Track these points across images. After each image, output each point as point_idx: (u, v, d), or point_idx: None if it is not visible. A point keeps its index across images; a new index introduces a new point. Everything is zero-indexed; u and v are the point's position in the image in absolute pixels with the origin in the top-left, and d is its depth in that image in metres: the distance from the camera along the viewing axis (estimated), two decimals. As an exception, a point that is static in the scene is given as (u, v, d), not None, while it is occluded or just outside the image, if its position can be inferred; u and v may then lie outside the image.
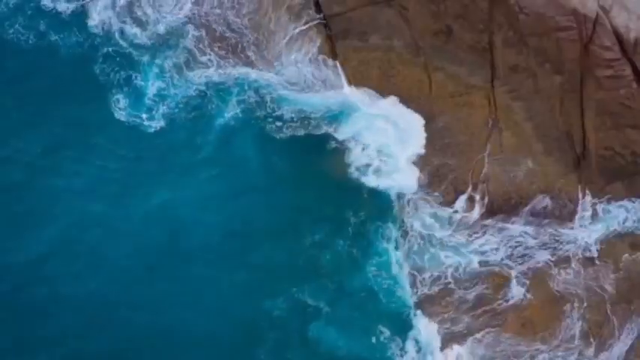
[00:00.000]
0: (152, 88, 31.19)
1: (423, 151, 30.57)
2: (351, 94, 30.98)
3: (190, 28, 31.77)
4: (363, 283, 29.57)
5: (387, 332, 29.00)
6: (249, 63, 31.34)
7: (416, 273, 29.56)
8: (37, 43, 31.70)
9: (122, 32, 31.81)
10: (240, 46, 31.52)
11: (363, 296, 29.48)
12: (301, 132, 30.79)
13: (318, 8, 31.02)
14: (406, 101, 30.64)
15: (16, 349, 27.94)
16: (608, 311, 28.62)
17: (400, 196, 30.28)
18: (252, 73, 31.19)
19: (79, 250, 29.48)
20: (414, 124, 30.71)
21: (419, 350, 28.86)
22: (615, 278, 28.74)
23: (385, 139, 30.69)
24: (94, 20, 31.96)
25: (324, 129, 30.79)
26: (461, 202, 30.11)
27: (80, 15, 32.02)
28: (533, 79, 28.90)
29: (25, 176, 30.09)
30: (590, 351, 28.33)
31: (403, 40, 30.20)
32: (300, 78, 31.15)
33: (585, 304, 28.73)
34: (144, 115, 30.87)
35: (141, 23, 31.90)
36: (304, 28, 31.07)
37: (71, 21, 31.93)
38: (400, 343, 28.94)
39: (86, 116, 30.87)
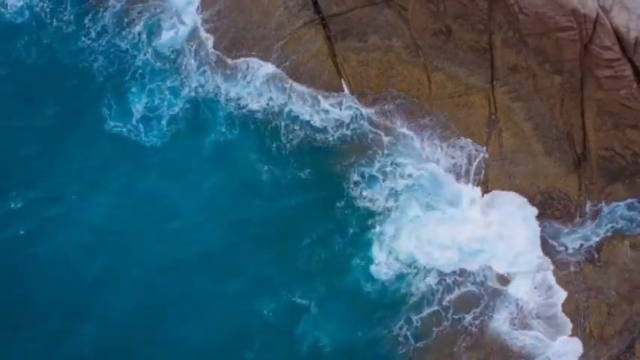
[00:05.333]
0: (148, 102, 31.37)
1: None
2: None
3: (189, 39, 31.94)
4: (352, 283, 29.63)
5: (377, 331, 29.10)
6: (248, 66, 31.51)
7: (410, 273, 29.59)
8: (35, 61, 32.10)
9: (120, 47, 32.03)
10: (238, 47, 31.52)
11: (353, 296, 29.54)
12: (300, 136, 30.96)
13: (317, 8, 30.93)
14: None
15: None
16: (609, 311, 28.60)
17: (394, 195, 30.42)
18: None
19: (73, 259, 29.86)
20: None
21: (409, 347, 28.93)
22: (616, 278, 28.73)
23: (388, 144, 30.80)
24: (92, 36, 32.13)
25: (323, 134, 30.84)
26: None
27: (78, 31, 32.25)
28: (533, 79, 28.82)
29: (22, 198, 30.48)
30: (591, 352, 28.34)
31: (402, 41, 30.13)
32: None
33: (586, 305, 28.72)
34: (141, 129, 31.05)
35: (137, 37, 32.06)
36: (303, 28, 30.98)
37: (69, 37, 32.14)
38: (391, 340, 28.99)
39: (79, 130, 31.20)
